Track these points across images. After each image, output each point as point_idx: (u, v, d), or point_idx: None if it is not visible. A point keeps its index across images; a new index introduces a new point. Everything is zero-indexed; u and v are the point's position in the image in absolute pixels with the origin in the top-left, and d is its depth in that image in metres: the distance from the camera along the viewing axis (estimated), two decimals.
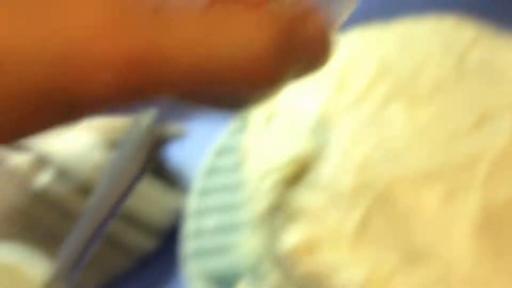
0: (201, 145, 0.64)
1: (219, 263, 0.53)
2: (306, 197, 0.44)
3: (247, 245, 0.52)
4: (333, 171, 0.43)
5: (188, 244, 0.53)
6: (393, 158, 0.42)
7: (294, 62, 0.23)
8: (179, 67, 0.20)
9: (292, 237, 0.42)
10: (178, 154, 0.68)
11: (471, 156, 0.42)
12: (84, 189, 0.56)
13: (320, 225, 0.43)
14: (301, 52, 0.23)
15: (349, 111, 0.46)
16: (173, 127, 0.64)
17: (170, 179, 0.66)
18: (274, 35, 0.21)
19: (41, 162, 0.57)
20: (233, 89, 0.22)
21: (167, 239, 0.60)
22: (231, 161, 0.55)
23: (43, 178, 0.56)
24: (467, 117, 0.44)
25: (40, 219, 0.57)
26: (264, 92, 0.23)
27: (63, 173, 0.56)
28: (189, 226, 0.55)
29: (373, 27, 0.56)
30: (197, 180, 0.59)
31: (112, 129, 0.59)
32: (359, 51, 0.51)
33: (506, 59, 0.48)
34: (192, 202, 0.57)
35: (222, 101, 0.23)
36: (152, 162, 0.28)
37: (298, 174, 0.45)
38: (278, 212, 0.45)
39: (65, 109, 0.20)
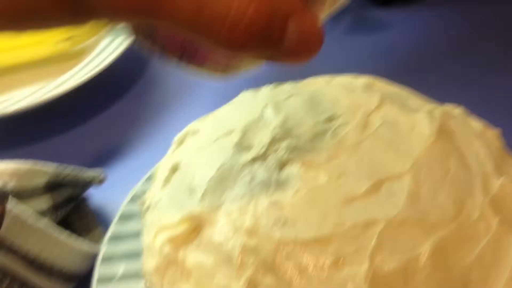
0: (121, 191, 0.63)
1: None
2: (197, 256, 0.43)
3: None
4: (223, 233, 0.42)
5: None
6: (284, 222, 0.42)
7: (266, 45, 0.27)
8: None
9: None
10: (97, 198, 0.67)
11: (363, 222, 0.41)
12: None
13: (208, 287, 0.41)
14: (276, 39, 0.27)
15: (244, 171, 0.46)
16: (93, 172, 0.63)
17: (89, 223, 0.65)
18: (259, 13, 0.25)
19: None
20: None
21: (84, 284, 0.57)
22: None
23: None
24: (363, 181, 0.44)
25: None
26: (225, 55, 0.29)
27: None
28: (99, 272, 0.54)
29: (286, 84, 0.56)
30: (111, 226, 0.58)
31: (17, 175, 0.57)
32: (266, 108, 0.51)
33: (409, 123, 0.48)
34: (104, 248, 0.56)
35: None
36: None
37: (190, 233, 0.44)
38: (170, 269, 0.43)
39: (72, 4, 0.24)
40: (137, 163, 0.72)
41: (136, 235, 0.58)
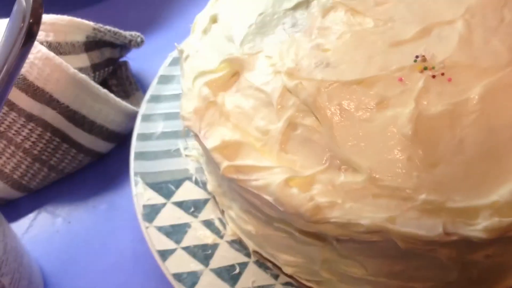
0: (159, 54, 0.63)
1: (162, 167, 0.52)
2: (236, 100, 0.42)
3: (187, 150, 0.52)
4: (263, 76, 0.41)
5: (136, 146, 0.52)
6: (327, 64, 0.40)
7: None
8: None
9: (213, 138, 0.41)
10: (136, 62, 0.67)
11: (410, 65, 0.39)
12: None
13: (247, 128, 0.41)
14: None
15: (286, 18, 0.44)
16: (132, 34, 0.62)
17: (130, 84, 0.65)
18: None
19: None
20: None
21: (125, 143, 0.59)
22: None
23: None
24: (412, 25, 0.42)
25: None
26: None
27: None
28: (139, 129, 0.54)
29: None
30: (150, 87, 0.58)
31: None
32: None
33: None
34: (143, 108, 0.56)
35: None
36: None
37: (229, 78, 0.43)
38: (209, 112, 0.43)
39: None
40: (175, 30, 0.70)
41: (176, 96, 0.58)
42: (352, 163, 0.37)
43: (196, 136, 0.42)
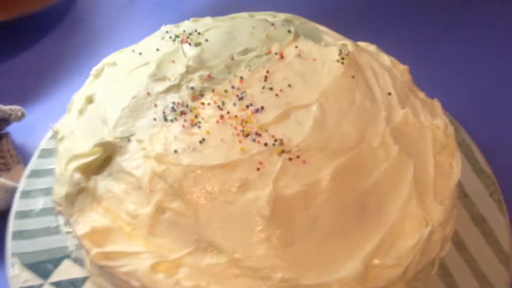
0: (42, 126, 0.62)
1: (40, 245, 0.52)
2: (108, 184, 0.44)
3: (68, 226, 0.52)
4: (133, 161, 0.43)
5: (14, 225, 0.52)
6: (193, 149, 0.42)
7: None
8: None
9: (84, 224, 0.41)
10: (19, 134, 0.66)
11: (267, 150, 0.42)
12: None
13: (118, 212, 0.42)
14: None
15: (158, 101, 0.46)
16: (12, 108, 0.61)
17: (11, 157, 0.64)
18: None
19: None
20: None
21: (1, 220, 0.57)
22: None
23: None
24: (272, 110, 0.45)
25: None
26: None
27: None
28: (17, 206, 0.54)
29: (207, 18, 0.56)
30: (31, 161, 0.58)
31: None
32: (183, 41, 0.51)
33: (321, 56, 0.50)
34: (22, 184, 0.55)
35: None
36: None
37: (101, 162, 0.45)
38: (81, 196, 0.44)
39: None
40: (58, 100, 0.71)
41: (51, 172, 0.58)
42: (216, 244, 0.39)
43: (68, 221, 0.43)
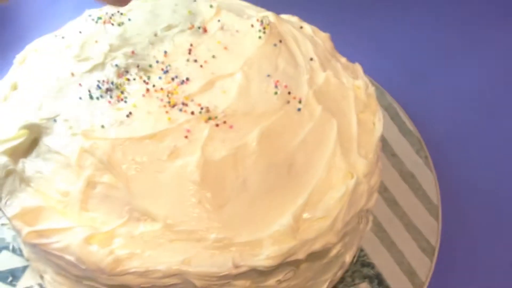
0: None
1: None
2: (36, 165, 0.43)
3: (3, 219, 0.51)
4: (61, 140, 0.43)
5: None
6: (120, 123, 0.43)
7: None
8: None
9: (14, 206, 0.41)
10: None
11: (195, 117, 0.43)
12: None
13: (48, 191, 0.42)
14: None
15: (83, 80, 0.46)
16: None
17: None
18: None
19: None
20: None
21: None
22: None
23: None
24: (198, 80, 0.46)
25: None
26: None
27: None
28: None
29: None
30: None
31: None
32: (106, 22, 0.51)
33: (243, 27, 0.51)
34: None
35: None
36: None
37: (29, 143, 0.44)
38: (9, 179, 0.43)
39: None
40: None
41: None
42: (149, 213, 0.40)
43: None
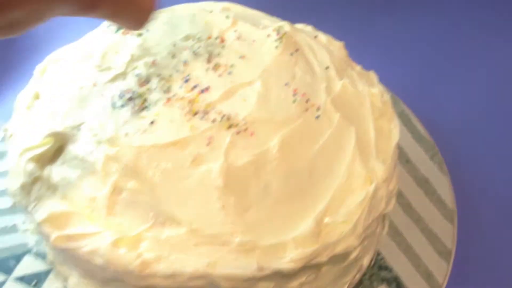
0: None
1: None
2: (63, 171, 0.44)
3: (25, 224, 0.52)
4: (86, 147, 0.44)
5: None
6: (144, 130, 0.44)
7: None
8: None
9: (42, 211, 0.42)
10: None
11: (217, 125, 0.44)
12: None
13: (75, 197, 0.43)
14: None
15: (105, 89, 0.47)
16: None
17: None
18: None
19: None
20: None
21: None
22: None
23: None
24: (218, 89, 0.47)
25: None
26: None
27: None
28: None
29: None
30: None
31: None
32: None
33: (260, 37, 0.52)
34: None
35: None
36: None
37: (55, 151, 0.45)
38: (36, 186, 0.44)
39: None
40: (3, 103, 0.71)
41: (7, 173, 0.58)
42: (174, 218, 0.41)
43: (26, 211, 0.44)
